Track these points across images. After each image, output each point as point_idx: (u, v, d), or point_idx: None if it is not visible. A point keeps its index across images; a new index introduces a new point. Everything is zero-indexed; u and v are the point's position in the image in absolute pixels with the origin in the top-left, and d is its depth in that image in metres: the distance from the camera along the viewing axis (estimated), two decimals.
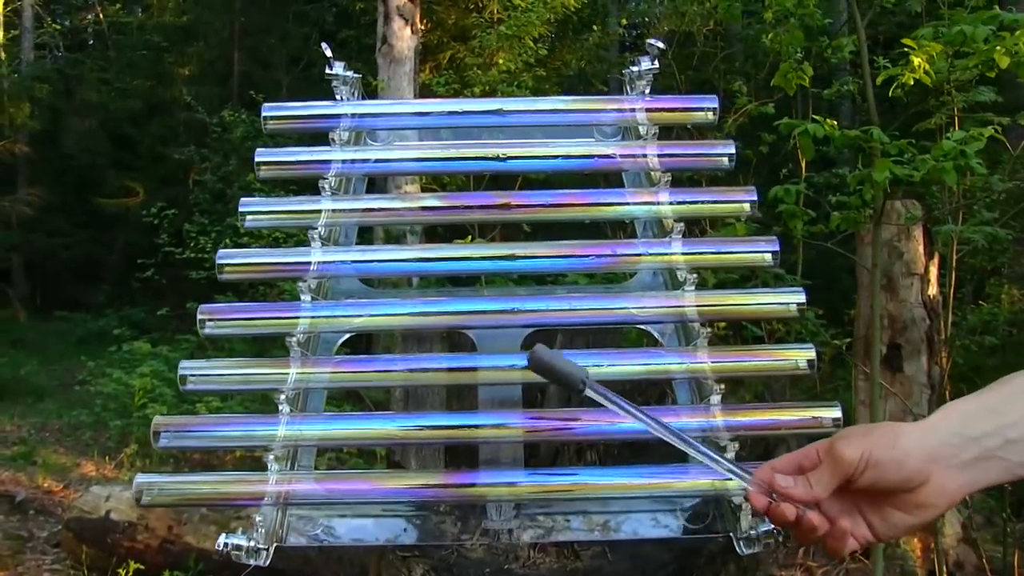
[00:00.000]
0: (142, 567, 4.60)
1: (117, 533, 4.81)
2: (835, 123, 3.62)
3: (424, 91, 8.97)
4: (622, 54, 13.72)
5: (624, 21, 13.75)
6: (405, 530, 1.52)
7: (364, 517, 1.52)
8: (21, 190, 14.67)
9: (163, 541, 4.76)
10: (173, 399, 7.42)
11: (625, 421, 1.52)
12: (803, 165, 6.12)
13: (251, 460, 6.47)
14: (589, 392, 1.06)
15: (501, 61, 8.39)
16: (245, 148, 11.32)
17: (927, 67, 3.46)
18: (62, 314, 13.29)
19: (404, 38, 8.77)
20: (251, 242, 8.67)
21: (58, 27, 17.94)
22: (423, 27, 9.71)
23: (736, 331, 5.42)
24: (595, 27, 11.50)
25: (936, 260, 4.79)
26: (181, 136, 13.40)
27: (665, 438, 1.08)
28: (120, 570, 4.55)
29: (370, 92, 10.75)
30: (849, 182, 3.66)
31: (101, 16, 17.09)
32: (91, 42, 19.13)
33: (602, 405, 1.08)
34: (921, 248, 4.71)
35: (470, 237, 4.88)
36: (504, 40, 8.62)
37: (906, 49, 3.57)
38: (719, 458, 1.06)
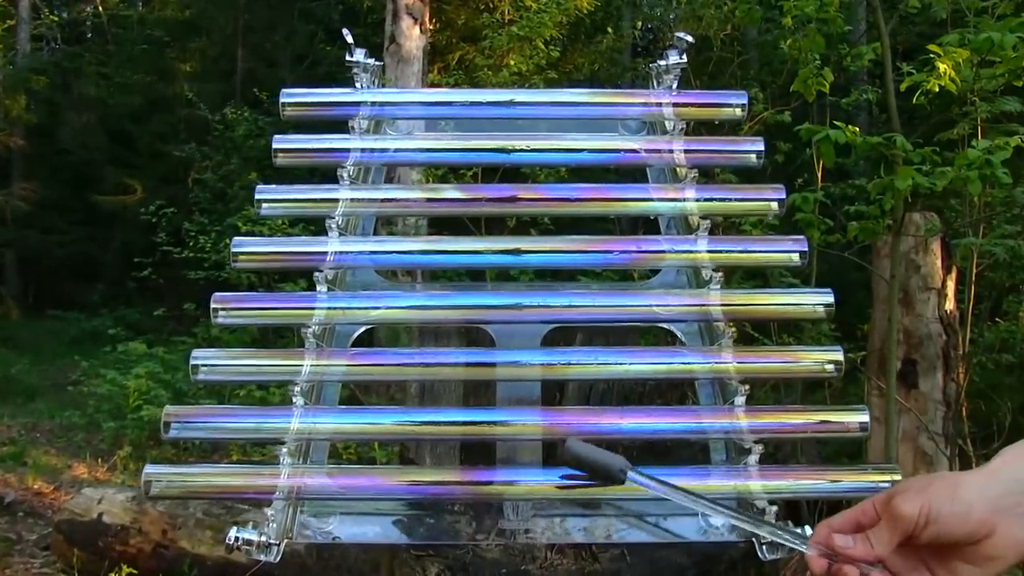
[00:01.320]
0: (135, 572, 4.59)
1: (109, 536, 4.80)
2: (856, 129, 3.62)
3: None
4: (634, 58, 13.74)
5: (639, 24, 13.77)
6: (419, 529, 1.52)
7: (377, 515, 1.52)
8: (15, 185, 14.68)
9: (157, 545, 4.75)
10: (169, 401, 7.42)
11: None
12: (819, 175, 6.12)
13: (248, 462, 6.47)
14: (631, 480, 1.06)
15: (512, 63, 8.41)
16: (247, 147, 11.37)
17: (953, 74, 3.47)
18: (55, 313, 13.30)
19: (413, 37, 8.80)
20: None
21: (56, 19, 17.92)
22: (432, 27, 9.74)
23: (747, 343, 5.43)
24: (609, 30, 11.53)
25: (954, 274, 4.78)
26: (181, 133, 13.42)
27: (720, 515, 1.07)
28: (112, 574, 4.54)
29: None
30: (870, 190, 3.66)
31: (100, 8, 17.10)
32: (89, 35, 19.12)
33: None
34: (939, 262, 4.71)
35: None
36: (515, 41, 8.65)
37: (931, 56, 3.57)
38: (777, 528, 1.05)
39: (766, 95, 7.55)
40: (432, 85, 9.19)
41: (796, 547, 1.01)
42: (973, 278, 5.02)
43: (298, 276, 7.38)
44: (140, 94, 14.94)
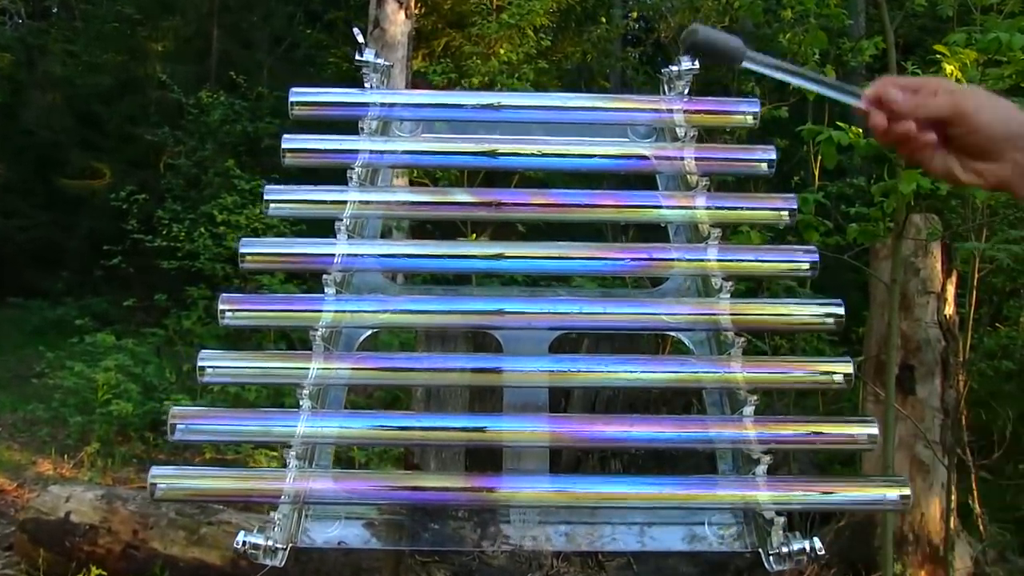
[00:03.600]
0: (103, 573, 4.61)
1: (77, 536, 4.80)
2: (859, 131, 3.68)
3: (417, 79, 9.01)
4: (625, 48, 13.80)
5: (635, 14, 13.80)
6: (424, 534, 1.57)
7: (381, 520, 1.57)
8: None
9: (127, 546, 4.76)
10: (139, 396, 7.43)
11: (653, 430, 1.59)
12: (817, 173, 6.19)
13: (219, 461, 6.51)
14: (748, 64, 1.15)
15: (502, 51, 8.43)
16: (222, 132, 11.33)
17: (960, 75, 3.53)
18: (16, 301, 13.20)
19: (398, 22, 8.81)
20: (229, 232, 8.73)
21: None
22: (417, 11, 9.76)
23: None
24: (601, 19, 11.58)
25: (954, 278, 4.85)
26: (152, 116, 13.34)
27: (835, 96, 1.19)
28: None
29: (360, 78, 10.75)
30: (873, 193, 3.72)
31: None
32: (55, 10, 18.95)
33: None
34: (939, 265, 4.77)
35: (474, 236, 4.93)
36: (505, 29, 8.66)
37: (938, 56, 3.63)
38: (837, 85, 1.19)
39: (762, 89, 7.61)
40: (417, 72, 9.21)
41: (851, 101, 1.15)
42: (975, 283, 5.08)
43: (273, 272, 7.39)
44: (109, 74, 14.81)
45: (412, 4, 9.09)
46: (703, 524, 1.57)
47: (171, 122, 12.26)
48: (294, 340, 7.13)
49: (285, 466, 1.51)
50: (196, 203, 10.52)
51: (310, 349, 1.59)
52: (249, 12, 14.56)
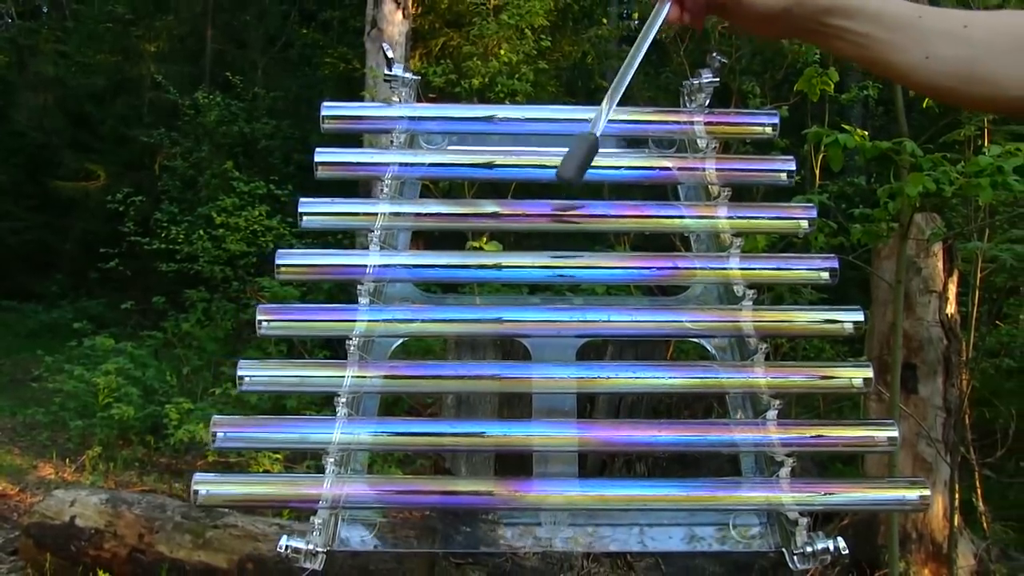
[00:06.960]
0: None
1: (82, 540, 4.84)
2: (865, 133, 3.74)
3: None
4: (623, 48, 13.84)
5: (637, 15, 13.84)
6: (457, 537, 1.63)
7: (414, 523, 1.63)
8: None
9: (133, 550, 4.80)
10: (140, 399, 7.47)
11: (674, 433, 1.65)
12: (817, 173, 6.26)
13: (222, 464, 6.56)
14: (598, 131, 1.35)
15: (503, 52, 8.47)
16: (219, 133, 11.36)
17: None
18: (10, 304, 13.24)
19: (395, 22, 8.88)
20: (227, 234, 8.78)
21: None
22: (414, 11, 9.80)
23: None
24: (603, 20, 11.63)
25: (956, 277, 4.92)
26: (146, 117, 13.38)
27: None
28: None
29: (356, 79, 10.84)
30: (879, 195, 3.79)
31: None
32: (46, 9, 18.95)
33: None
34: (940, 264, 4.84)
35: (484, 239, 4.98)
36: (505, 30, 8.70)
37: None
38: None
39: (762, 88, 7.66)
40: (416, 73, 9.22)
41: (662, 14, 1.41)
42: (978, 282, 5.15)
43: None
44: (102, 74, 14.85)
45: (410, 4, 9.15)
46: (728, 525, 1.63)
47: (166, 123, 12.29)
48: (296, 343, 7.20)
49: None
50: (193, 205, 10.57)
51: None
52: (243, 11, 14.60)
